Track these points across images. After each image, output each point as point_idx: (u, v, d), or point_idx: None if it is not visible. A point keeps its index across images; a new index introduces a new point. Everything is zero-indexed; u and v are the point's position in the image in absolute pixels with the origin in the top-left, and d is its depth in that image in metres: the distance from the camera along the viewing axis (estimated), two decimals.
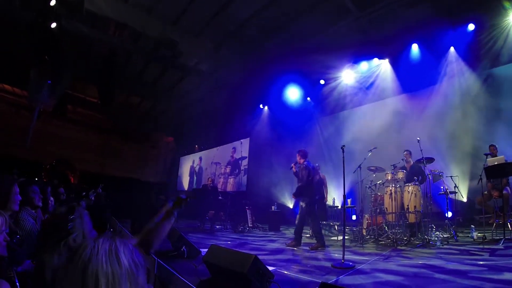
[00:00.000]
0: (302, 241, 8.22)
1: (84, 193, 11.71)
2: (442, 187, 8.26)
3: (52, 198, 5.46)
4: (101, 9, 11.85)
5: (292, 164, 8.71)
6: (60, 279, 1.17)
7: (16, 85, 19.00)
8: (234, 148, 18.47)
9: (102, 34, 13.79)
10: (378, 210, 8.56)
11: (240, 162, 17.86)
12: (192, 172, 22.24)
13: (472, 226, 7.36)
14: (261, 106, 17.30)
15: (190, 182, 22.06)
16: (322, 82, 14.03)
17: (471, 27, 10.11)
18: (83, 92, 20.04)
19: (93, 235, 2.30)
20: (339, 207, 11.37)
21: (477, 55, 10.18)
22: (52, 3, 10.86)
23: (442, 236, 7.26)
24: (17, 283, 1.73)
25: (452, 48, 10.77)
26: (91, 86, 18.08)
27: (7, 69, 16.74)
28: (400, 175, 8.47)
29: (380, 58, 12.37)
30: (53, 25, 11.40)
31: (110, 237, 1.21)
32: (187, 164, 23.17)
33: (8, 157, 17.98)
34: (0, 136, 18.94)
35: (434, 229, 7.53)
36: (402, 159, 8.95)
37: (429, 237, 7.19)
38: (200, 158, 21.86)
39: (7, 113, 20.24)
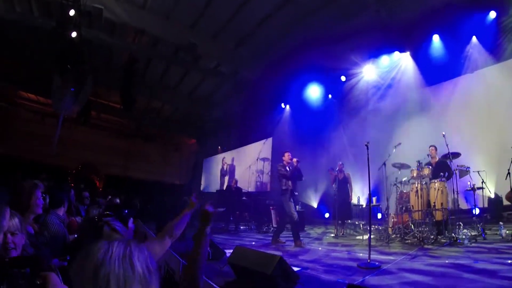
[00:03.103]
0: (327, 242, 8.19)
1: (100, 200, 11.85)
2: (469, 183, 8.02)
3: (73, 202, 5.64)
4: (119, 17, 12.03)
5: (281, 165, 8.80)
6: (72, 277, 1.18)
7: (40, 94, 19.52)
8: (270, 144, 17.86)
9: (122, 41, 14.03)
10: (403, 208, 8.40)
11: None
12: (230, 171, 21.06)
13: (501, 223, 7.16)
14: (282, 105, 17.20)
15: (225, 182, 20.68)
16: (343, 78, 13.80)
17: (492, 14, 9.81)
18: (106, 98, 20.42)
19: (130, 236, 2.34)
20: (364, 206, 11.26)
21: (500, 43, 9.87)
22: (71, 13, 11.07)
23: (470, 234, 7.05)
24: (59, 275, 1.78)
25: (474, 38, 10.46)
26: (113, 92, 18.38)
27: (31, 78, 17.23)
28: (426, 171, 8.27)
29: (401, 51, 12.14)
30: (73, 34, 11.63)
31: (125, 242, 1.22)
32: (218, 165, 22.50)
33: (35, 163, 18.52)
34: (27, 143, 19.56)
35: (461, 227, 7.33)
36: (428, 155, 8.77)
37: (456, 235, 7.02)
38: (237, 155, 20.88)
39: (33, 121, 20.88)
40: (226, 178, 20.29)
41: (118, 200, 11.23)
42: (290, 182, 8.48)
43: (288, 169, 8.63)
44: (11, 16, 12.21)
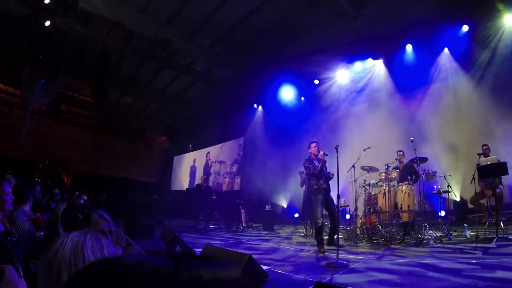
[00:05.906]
0: (297, 241, 8.24)
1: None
2: (435, 187, 8.31)
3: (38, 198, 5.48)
4: (95, 8, 11.75)
5: (308, 160, 7.40)
6: (37, 271, 1.19)
7: (9, 84, 18.85)
8: (240, 144, 18.08)
9: (96, 33, 13.71)
10: (371, 209, 8.59)
11: None
12: (193, 171, 21.57)
13: (465, 225, 7.40)
14: (255, 105, 17.29)
15: (191, 182, 21.09)
16: (316, 82, 14.03)
17: (465, 28, 10.20)
18: (77, 91, 19.94)
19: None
20: None
21: (471, 56, 10.24)
22: (47, 1, 10.74)
23: (435, 235, 7.29)
24: (20, 271, 1.73)
25: (446, 49, 10.85)
26: (85, 85, 17.98)
27: (0, 67, 16.62)
28: (394, 174, 8.47)
29: (374, 58, 12.42)
30: (47, 23, 11.28)
31: (83, 232, 1.21)
32: (187, 163, 22.70)
33: (1, 156, 17.86)
34: None
35: (427, 228, 7.56)
36: (396, 159, 8.96)
37: (422, 236, 7.22)
38: (207, 155, 20.85)
39: (0, 112, 20.12)
40: (211, 174, 19.97)
41: (85, 197, 11.00)
42: (321, 181, 7.18)
43: (316, 164, 7.25)
44: None
